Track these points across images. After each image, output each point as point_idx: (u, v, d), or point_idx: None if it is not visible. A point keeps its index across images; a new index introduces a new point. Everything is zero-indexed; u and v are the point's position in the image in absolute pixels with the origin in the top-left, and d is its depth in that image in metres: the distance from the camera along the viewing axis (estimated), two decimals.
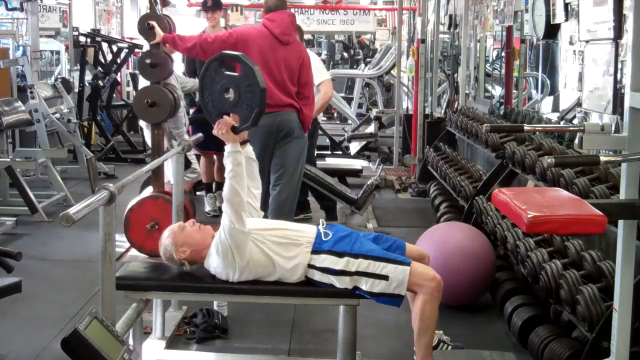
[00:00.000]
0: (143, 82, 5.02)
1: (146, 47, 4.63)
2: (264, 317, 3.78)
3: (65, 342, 2.26)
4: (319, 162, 6.50)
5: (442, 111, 8.02)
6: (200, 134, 4.09)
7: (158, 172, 4.54)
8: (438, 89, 8.40)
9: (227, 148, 2.99)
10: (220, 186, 5.64)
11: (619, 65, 3.41)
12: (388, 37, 13.37)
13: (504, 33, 5.72)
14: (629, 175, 2.31)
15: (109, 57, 9.07)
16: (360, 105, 11.58)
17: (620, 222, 2.32)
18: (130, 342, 2.90)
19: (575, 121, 4.34)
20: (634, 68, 2.28)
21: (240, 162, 2.95)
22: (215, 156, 5.92)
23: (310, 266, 2.89)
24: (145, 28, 4.29)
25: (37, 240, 5.27)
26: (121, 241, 4.47)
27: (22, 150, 6.76)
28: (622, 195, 2.36)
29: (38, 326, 3.67)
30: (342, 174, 6.44)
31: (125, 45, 9.20)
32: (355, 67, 12.34)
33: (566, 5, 4.22)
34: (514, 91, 5.60)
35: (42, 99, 6.98)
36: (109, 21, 11.80)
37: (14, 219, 5.51)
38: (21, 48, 8.00)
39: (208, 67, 3.06)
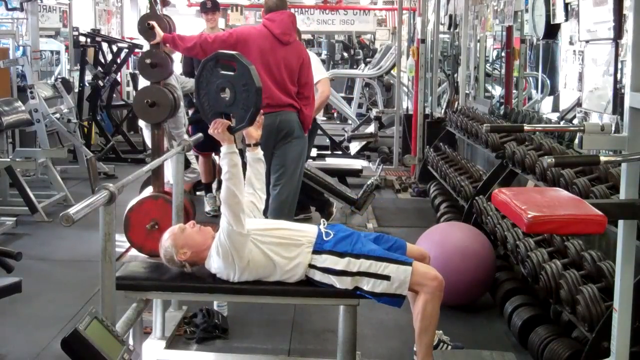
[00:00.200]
0: (143, 82, 5.02)
1: (146, 47, 4.63)
2: (264, 317, 3.78)
3: (65, 342, 2.27)
4: (319, 162, 6.51)
5: (442, 111, 8.02)
6: (200, 134, 4.09)
7: (158, 172, 4.54)
8: (438, 89, 8.40)
9: (223, 149, 2.99)
10: (221, 186, 5.64)
11: (619, 65, 3.41)
12: (388, 37, 13.36)
13: (504, 33, 5.72)
14: (629, 175, 2.31)
15: (109, 57, 9.07)
16: (360, 105, 11.58)
17: (620, 222, 2.32)
18: (130, 342, 2.90)
19: (575, 121, 4.34)
20: (634, 68, 2.28)
21: (236, 163, 2.94)
22: (215, 156, 5.92)
23: (311, 266, 2.89)
24: (145, 28, 4.29)
25: (37, 240, 5.27)
26: (121, 241, 4.48)
27: (22, 150, 6.76)
28: (622, 195, 2.36)
29: (38, 326, 3.67)
30: (342, 174, 6.44)
31: (125, 45, 9.20)
32: (355, 67, 12.33)
33: (566, 5, 4.22)
34: (514, 91, 5.60)
35: (42, 99, 6.98)
36: (109, 21, 11.80)
37: (14, 219, 5.51)
38: (21, 48, 8.00)
39: (204, 66, 3.05)
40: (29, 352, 3.37)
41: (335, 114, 12.19)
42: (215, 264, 2.93)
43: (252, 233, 2.90)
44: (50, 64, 9.73)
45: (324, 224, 3.03)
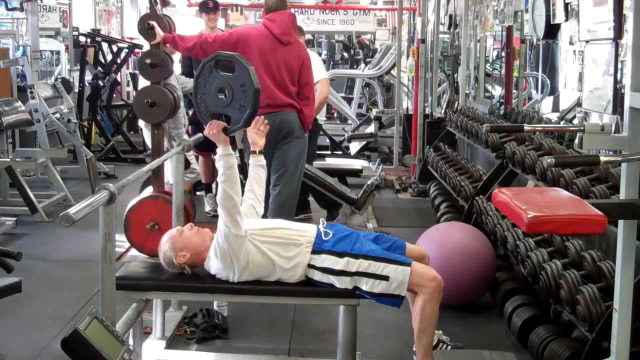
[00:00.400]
0: (143, 82, 5.02)
1: (146, 47, 4.63)
2: (264, 317, 3.78)
3: (65, 342, 2.27)
4: (319, 162, 6.50)
5: (442, 111, 8.02)
6: (200, 134, 4.07)
7: (158, 172, 4.54)
8: (438, 89, 8.40)
9: (219, 151, 2.99)
10: None
11: (619, 65, 3.41)
12: (388, 37, 13.35)
13: (504, 33, 5.72)
14: (629, 175, 2.31)
15: (109, 57, 9.07)
16: (360, 105, 11.58)
17: (620, 222, 2.32)
18: (130, 342, 2.90)
19: (575, 121, 4.34)
20: (634, 68, 2.28)
21: (231, 165, 2.94)
22: (215, 156, 5.92)
23: (311, 266, 2.89)
24: (145, 28, 4.29)
25: (37, 240, 5.27)
26: (121, 241, 4.48)
27: (22, 150, 6.76)
28: (622, 195, 2.35)
29: (38, 326, 3.67)
30: (342, 174, 6.44)
31: (125, 45, 9.20)
32: (355, 67, 12.33)
33: (566, 5, 4.22)
34: (514, 91, 5.60)
35: (42, 99, 6.98)
36: (109, 21, 11.79)
37: (14, 219, 5.51)
38: (21, 48, 8.00)
39: (203, 67, 3.05)
40: (29, 352, 3.37)
41: (335, 114, 12.19)
42: (214, 265, 2.93)
43: (251, 233, 2.90)
44: (50, 64, 9.74)
45: (324, 224, 3.03)
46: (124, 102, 9.96)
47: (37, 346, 3.42)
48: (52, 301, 4.05)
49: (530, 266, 3.33)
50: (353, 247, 2.89)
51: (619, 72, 3.41)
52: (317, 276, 2.89)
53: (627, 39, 2.81)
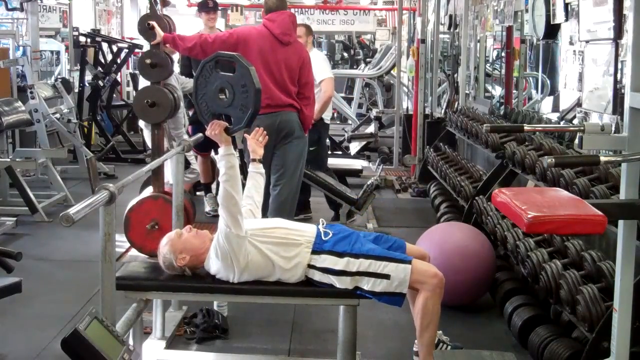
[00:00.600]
0: (143, 82, 5.02)
1: (146, 47, 4.63)
2: (264, 317, 3.78)
3: (65, 342, 2.26)
4: None
5: (442, 111, 8.03)
6: (200, 134, 4.08)
7: (158, 172, 4.54)
8: (438, 89, 8.41)
9: (221, 151, 2.99)
10: None
11: (619, 65, 3.41)
12: (388, 37, 13.34)
13: (504, 33, 5.72)
14: (629, 175, 2.31)
15: (109, 57, 9.06)
16: (360, 105, 11.57)
17: (620, 222, 2.32)
18: (130, 342, 2.90)
19: (575, 121, 4.34)
20: (634, 68, 2.28)
21: (233, 164, 2.94)
22: (214, 156, 5.92)
23: (311, 266, 2.89)
24: (145, 28, 4.29)
25: (37, 240, 5.26)
26: (121, 241, 4.47)
27: (22, 150, 6.76)
28: (622, 195, 2.36)
29: (38, 326, 3.67)
30: (342, 174, 6.44)
31: (125, 45, 9.19)
32: (355, 67, 12.33)
33: (566, 5, 4.22)
34: (514, 91, 5.60)
35: (42, 99, 6.98)
36: (109, 21, 11.79)
37: (14, 219, 5.51)
38: (21, 48, 8.00)
39: (203, 67, 3.05)
40: (29, 352, 3.37)
41: (335, 114, 12.17)
42: (214, 265, 2.92)
43: (251, 233, 2.90)
44: (50, 64, 9.73)
45: (323, 224, 3.03)
46: (124, 102, 9.96)
47: (37, 346, 3.42)
48: (52, 301, 4.04)
49: (530, 266, 3.33)
50: (353, 247, 2.88)
51: (619, 72, 3.42)
52: (317, 276, 2.89)
53: (627, 39, 2.81)
